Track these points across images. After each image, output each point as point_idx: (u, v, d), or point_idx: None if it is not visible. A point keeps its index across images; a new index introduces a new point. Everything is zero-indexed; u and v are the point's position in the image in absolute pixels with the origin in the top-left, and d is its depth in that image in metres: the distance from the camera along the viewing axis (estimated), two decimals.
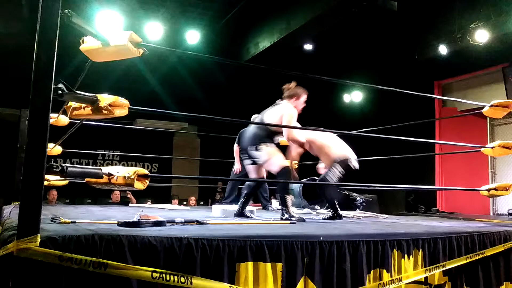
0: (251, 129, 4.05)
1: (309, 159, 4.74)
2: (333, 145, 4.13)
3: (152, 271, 1.91)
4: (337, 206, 4.04)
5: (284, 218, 3.65)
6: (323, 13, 6.99)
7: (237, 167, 5.89)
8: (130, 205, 6.79)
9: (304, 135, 4.06)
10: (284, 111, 3.90)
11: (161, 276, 1.92)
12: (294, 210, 3.89)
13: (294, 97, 4.02)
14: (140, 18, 7.78)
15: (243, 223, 3.23)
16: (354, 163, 4.07)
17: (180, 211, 4.83)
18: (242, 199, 4.01)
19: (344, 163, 4.01)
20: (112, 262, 1.84)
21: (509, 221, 5.13)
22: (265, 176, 4.28)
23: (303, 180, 5.19)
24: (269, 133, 3.90)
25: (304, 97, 4.07)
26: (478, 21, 6.80)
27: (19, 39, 7.29)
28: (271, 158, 3.83)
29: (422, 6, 7.54)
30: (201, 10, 8.26)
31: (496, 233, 3.19)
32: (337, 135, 4.27)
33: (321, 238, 2.40)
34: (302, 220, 3.64)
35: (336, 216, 4.03)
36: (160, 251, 2.00)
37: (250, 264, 2.20)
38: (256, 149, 3.86)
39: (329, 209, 4.21)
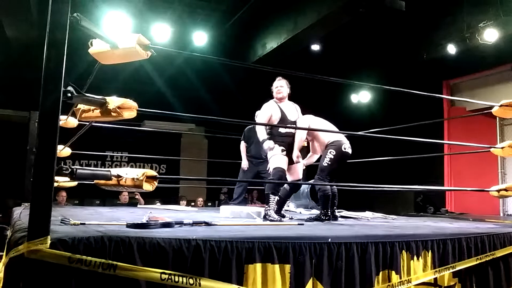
0: None
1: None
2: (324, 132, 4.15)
3: (161, 273, 1.92)
4: (330, 205, 3.98)
5: (264, 215, 3.75)
6: (330, 14, 6.96)
7: (244, 163, 5.89)
8: (138, 206, 6.82)
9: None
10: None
11: (169, 277, 1.93)
12: (274, 212, 3.90)
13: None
14: (147, 19, 7.81)
15: (251, 224, 3.23)
16: (347, 148, 4.05)
17: (188, 212, 4.85)
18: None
19: (337, 146, 4.00)
20: (121, 264, 1.86)
21: None
22: (301, 176, 4.28)
23: (311, 181, 5.17)
24: (271, 136, 4.08)
25: (274, 85, 4.24)
26: (487, 20, 6.73)
27: (29, 42, 7.36)
28: (269, 159, 4.03)
29: (430, 5, 7.48)
30: (208, 11, 8.28)
31: (506, 234, 3.17)
32: (345, 136, 4.26)
33: (330, 240, 2.40)
34: (279, 220, 3.68)
35: (325, 217, 3.93)
36: (169, 253, 2.01)
37: (258, 265, 2.20)
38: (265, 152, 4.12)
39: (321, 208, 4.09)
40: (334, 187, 4.09)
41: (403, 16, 7.23)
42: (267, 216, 3.74)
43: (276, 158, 3.96)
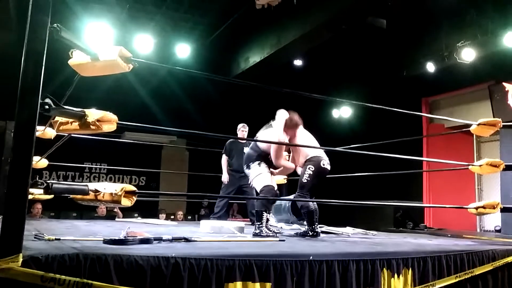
0: (247, 151, 4.30)
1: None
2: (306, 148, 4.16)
3: None
4: (315, 220, 3.96)
5: (255, 233, 3.71)
6: (313, 30, 7.04)
7: (224, 177, 5.85)
8: (116, 219, 6.69)
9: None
10: (273, 139, 4.02)
11: None
12: (269, 228, 3.89)
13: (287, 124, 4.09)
14: (130, 30, 7.75)
15: (232, 240, 3.19)
16: (326, 164, 4.08)
17: (168, 227, 4.77)
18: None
19: (316, 161, 4.01)
20: (96, 283, 1.80)
21: (496, 238, 5.16)
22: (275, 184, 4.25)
23: (290, 197, 5.16)
24: (260, 154, 4.07)
25: (297, 128, 4.12)
26: (465, 39, 6.92)
27: (6, 49, 7.20)
28: (257, 176, 4.00)
29: (410, 24, 7.65)
30: (192, 24, 8.27)
31: (485, 252, 3.19)
32: (325, 151, 4.28)
33: (311, 258, 2.38)
34: (275, 235, 3.65)
35: (312, 233, 3.91)
36: (147, 271, 1.95)
37: (238, 284, 2.16)
38: (248, 167, 4.10)
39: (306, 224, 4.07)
40: (315, 203, 4.08)
41: (384, 34, 7.37)
42: (260, 233, 3.70)
43: (264, 176, 3.97)
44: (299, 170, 4.25)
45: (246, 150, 5.62)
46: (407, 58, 8.22)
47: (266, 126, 4.26)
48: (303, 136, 4.23)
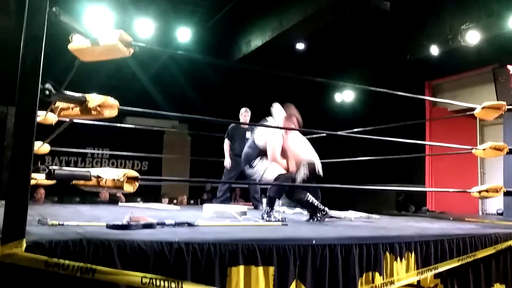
0: (244, 150, 4.22)
1: None
2: (302, 150, 4.15)
3: (142, 276, 1.87)
4: (314, 202, 3.97)
5: (264, 218, 3.73)
6: (316, 13, 6.95)
7: (227, 162, 5.85)
8: (119, 204, 6.70)
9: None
10: (269, 137, 3.98)
11: (151, 281, 1.89)
12: (277, 212, 3.97)
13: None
14: (130, 14, 7.67)
15: (234, 224, 3.20)
16: (319, 169, 4.09)
17: (171, 211, 4.79)
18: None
19: (311, 168, 4.03)
20: (100, 268, 1.80)
21: (498, 221, 5.17)
22: None
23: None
24: (259, 153, 4.02)
25: (294, 120, 4.04)
26: (469, 22, 6.82)
27: (6, 35, 7.15)
28: (266, 170, 3.96)
29: (414, 6, 7.55)
30: (192, 7, 8.19)
31: (487, 235, 3.20)
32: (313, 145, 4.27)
33: (314, 242, 2.38)
34: (284, 221, 3.66)
35: (322, 213, 3.93)
36: (150, 256, 1.96)
37: (241, 268, 2.17)
38: (251, 166, 4.03)
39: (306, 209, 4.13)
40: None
41: (388, 16, 7.27)
42: (270, 218, 3.72)
43: (274, 166, 3.94)
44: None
45: (248, 134, 5.60)
46: (411, 41, 8.12)
47: (262, 122, 4.18)
48: (297, 139, 4.19)
